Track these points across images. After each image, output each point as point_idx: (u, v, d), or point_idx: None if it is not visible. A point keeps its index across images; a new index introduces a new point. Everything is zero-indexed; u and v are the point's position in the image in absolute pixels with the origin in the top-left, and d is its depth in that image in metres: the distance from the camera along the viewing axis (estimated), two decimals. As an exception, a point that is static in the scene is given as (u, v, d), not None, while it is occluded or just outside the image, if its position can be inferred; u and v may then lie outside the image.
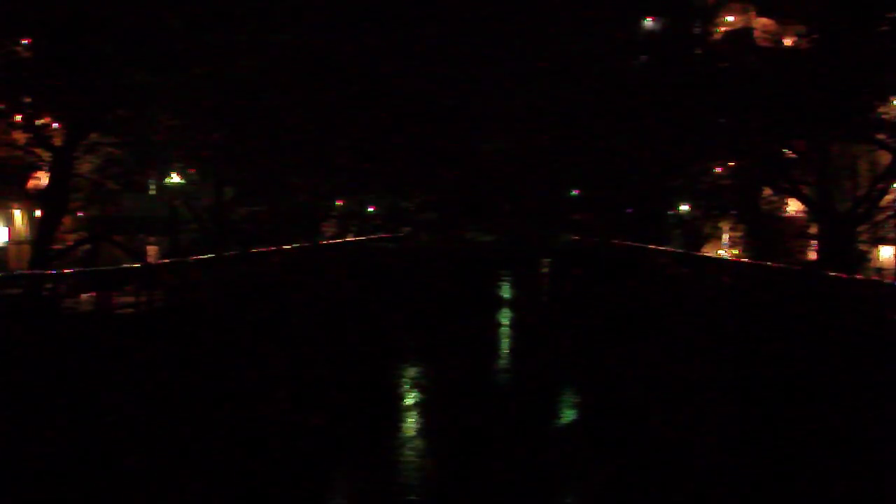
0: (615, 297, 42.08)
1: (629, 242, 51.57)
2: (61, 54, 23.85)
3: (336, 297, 40.90)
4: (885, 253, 33.36)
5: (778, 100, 28.73)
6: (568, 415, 21.48)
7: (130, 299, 25.29)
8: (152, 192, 41.01)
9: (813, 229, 33.03)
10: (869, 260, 32.10)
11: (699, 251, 42.25)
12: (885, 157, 28.84)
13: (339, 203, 61.29)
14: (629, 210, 54.94)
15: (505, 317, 38.85)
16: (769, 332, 25.84)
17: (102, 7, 23.61)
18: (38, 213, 28.33)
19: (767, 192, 34.91)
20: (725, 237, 46.02)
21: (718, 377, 23.99)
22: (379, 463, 16.45)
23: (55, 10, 23.29)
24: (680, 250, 43.87)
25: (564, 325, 36.24)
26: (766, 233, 35.25)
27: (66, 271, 24.80)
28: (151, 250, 37.10)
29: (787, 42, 32.34)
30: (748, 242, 38.43)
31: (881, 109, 27.67)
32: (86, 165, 27.61)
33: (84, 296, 24.69)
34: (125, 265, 28.10)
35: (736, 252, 43.14)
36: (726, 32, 38.92)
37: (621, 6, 52.88)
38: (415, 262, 59.69)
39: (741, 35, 35.75)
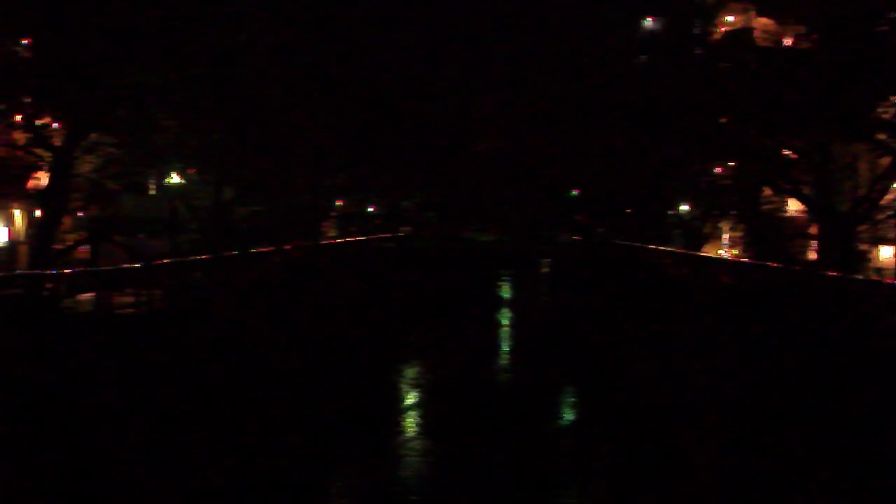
0: (615, 297, 42.09)
1: (629, 242, 51.56)
2: (61, 54, 23.82)
3: (336, 296, 40.90)
4: (885, 253, 33.36)
5: (778, 100, 28.70)
6: (568, 414, 21.48)
7: (130, 299, 25.25)
8: (152, 192, 41.02)
9: (813, 229, 33.02)
10: (869, 260, 32.09)
11: (699, 251, 42.24)
12: (885, 157, 28.82)
13: (339, 203, 61.29)
14: (629, 210, 54.94)
15: (505, 317, 38.84)
16: (769, 333, 25.83)
17: (103, 7, 23.59)
18: (38, 213, 28.30)
19: (767, 192, 34.90)
20: (725, 237, 46.02)
21: (718, 377, 23.98)
22: (379, 463, 16.45)
23: (55, 11, 23.27)
24: (680, 250, 43.85)
25: (564, 325, 36.25)
26: (766, 233, 35.22)
27: (66, 271, 24.76)
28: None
29: (787, 42, 32.32)
30: (748, 242, 38.41)
31: (881, 109, 27.64)
32: (86, 165, 27.56)
33: (84, 296, 24.65)
34: (125, 265, 28.07)
35: (736, 252, 43.13)
36: (726, 32, 38.90)
37: (621, 6, 52.91)
38: (415, 262, 59.69)
39: (741, 35, 35.71)
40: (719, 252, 44.85)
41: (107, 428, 17.25)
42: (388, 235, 68.84)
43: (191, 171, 37.43)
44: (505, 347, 31.50)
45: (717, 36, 38.96)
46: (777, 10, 32.57)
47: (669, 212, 48.88)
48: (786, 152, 31.39)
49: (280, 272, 39.42)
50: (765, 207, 35.53)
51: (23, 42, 24.50)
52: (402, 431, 18.68)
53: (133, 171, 31.80)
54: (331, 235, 58.57)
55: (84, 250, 30.82)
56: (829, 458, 16.26)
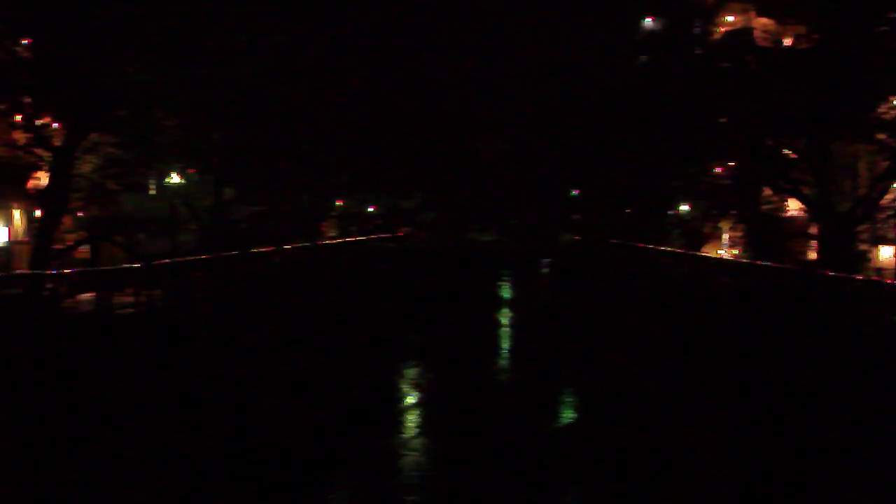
0: (615, 297, 42.10)
1: (629, 242, 51.57)
2: (61, 54, 23.82)
3: (336, 297, 40.92)
4: (885, 253, 33.37)
5: (778, 100, 28.73)
6: (568, 415, 21.48)
7: (130, 299, 25.25)
8: (152, 192, 41.03)
9: (813, 229, 33.05)
10: (869, 260, 32.11)
11: (699, 251, 42.25)
12: (885, 157, 28.85)
13: (339, 203, 61.29)
14: (629, 210, 54.96)
15: (505, 317, 38.84)
16: (769, 332, 25.84)
17: (102, 7, 23.59)
18: (38, 213, 28.30)
19: (767, 192, 34.92)
20: (725, 237, 46.02)
21: (718, 377, 24.00)
22: (379, 463, 16.44)
23: (55, 10, 23.27)
24: (680, 250, 43.86)
25: (564, 326, 36.24)
26: (766, 233, 35.24)
27: (66, 271, 24.77)
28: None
29: (787, 42, 32.36)
30: (748, 242, 38.44)
31: (881, 109, 27.67)
32: (86, 165, 27.56)
33: (84, 296, 24.66)
34: (125, 265, 28.07)
35: (736, 252, 43.14)
36: (726, 32, 38.92)
37: (622, 6, 52.92)
38: (415, 262, 59.69)
39: (741, 35, 35.75)
40: (719, 252, 44.86)
41: (107, 427, 17.25)
42: (388, 235, 68.84)
43: (191, 171, 37.46)
44: (505, 347, 31.50)
45: (717, 36, 38.98)
46: (777, 10, 32.61)
47: (669, 212, 48.90)
48: (786, 152, 31.41)
49: (280, 272, 39.43)
50: (765, 207, 35.55)
51: (23, 42, 24.50)
52: (402, 431, 18.68)
53: (133, 171, 31.75)
54: (331, 235, 58.60)
55: (84, 250, 30.82)
56: (829, 458, 16.27)
